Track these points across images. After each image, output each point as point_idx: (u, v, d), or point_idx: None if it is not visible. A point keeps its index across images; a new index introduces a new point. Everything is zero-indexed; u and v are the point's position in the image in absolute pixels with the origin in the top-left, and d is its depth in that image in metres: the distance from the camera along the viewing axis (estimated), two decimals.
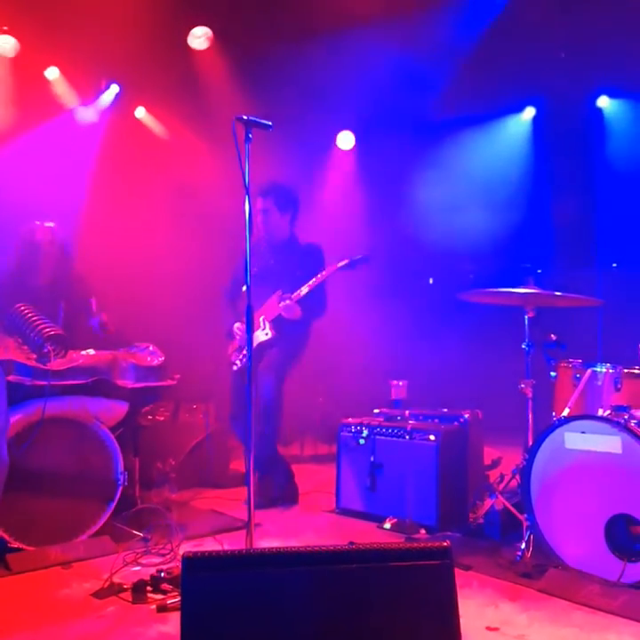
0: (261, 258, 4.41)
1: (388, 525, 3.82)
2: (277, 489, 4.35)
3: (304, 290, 4.26)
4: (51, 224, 4.13)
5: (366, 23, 5.68)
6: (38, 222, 4.10)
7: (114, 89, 6.43)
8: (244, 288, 3.92)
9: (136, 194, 6.11)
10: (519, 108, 7.10)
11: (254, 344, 3.73)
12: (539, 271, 3.55)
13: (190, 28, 6.18)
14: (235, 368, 4.44)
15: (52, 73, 6.14)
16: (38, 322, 3.53)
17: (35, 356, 3.46)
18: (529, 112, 7.10)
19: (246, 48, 6.15)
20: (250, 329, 2.86)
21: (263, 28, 5.86)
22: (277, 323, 4.36)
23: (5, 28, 5.73)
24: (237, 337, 4.45)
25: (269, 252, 4.52)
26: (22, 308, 3.62)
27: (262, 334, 4.37)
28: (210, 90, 6.38)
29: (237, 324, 4.45)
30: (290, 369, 4.45)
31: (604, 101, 6.69)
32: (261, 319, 4.39)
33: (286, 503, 4.29)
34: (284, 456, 4.52)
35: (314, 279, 4.24)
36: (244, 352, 4.29)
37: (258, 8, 5.73)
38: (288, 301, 4.28)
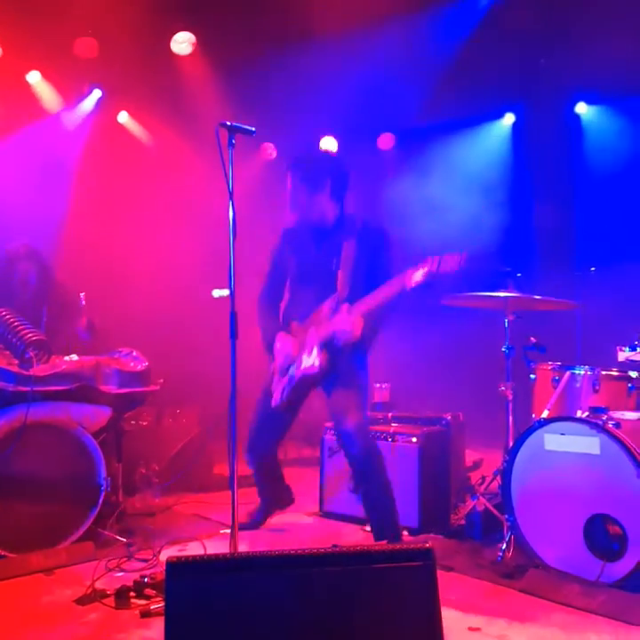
0: (301, 246, 3.49)
1: (370, 527, 3.83)
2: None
3: (369, 301, 3.17)
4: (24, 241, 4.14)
5: (348, 30, 5.72)
6: (10, 245, 4.10)
7: (96, 94, 6.41)
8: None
9: (119, 198, 6.10)
10: (499, 115, 7.18)
11: (299, 373, 3.33)
12: (518, 275, 3.58)
13: (173, 34, 6.18)
14: (274, 403, 3.42)
15: (34, 77, 6.11)
16: (20, 327, 3.52)
17: (17, 362, 3.45)
18: (508, 118, 7.19)
19: (229, 53, 6.16)
20: (234, 336, 2.81)
21: (246, 33, 5.88)
22: (332, 347, 3.27)
23: None
24: (278, 359, 3.40)
25: (310, 239, 3.50)
26: (4, 313, 3.60)
27: (308, 361, 3.29)
28: (193, 95, 6.39)
29: (280, 338, 3.40)
30: (366, 408, 3.42)
31: (582, 108, 6.80)
32: (309, 336, 3.32)
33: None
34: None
35: (386, 287, 3.13)
36: (285, 382, 3.39)
37: (241, 14, 5.74)
38: (346, 314, 3.17)
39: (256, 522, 3.87)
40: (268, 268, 3.63)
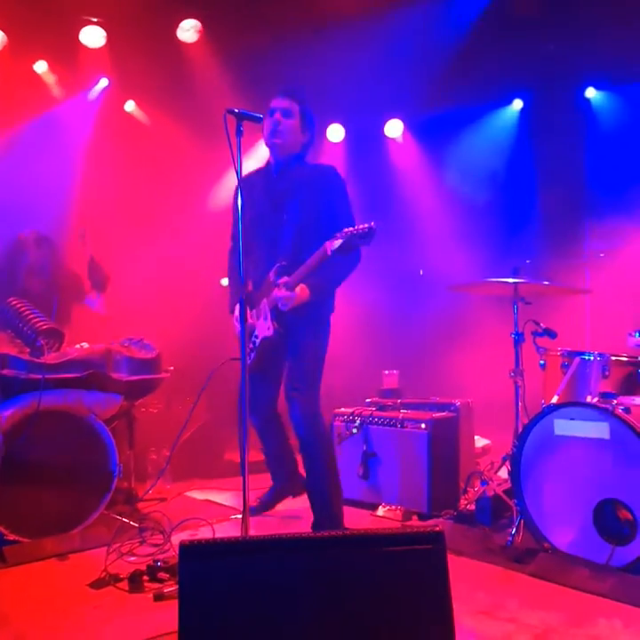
0: (252, 199, 3.33)
1: (381, 512, 3.86)
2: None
3: (302, 271, 3.15)
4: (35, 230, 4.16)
5: (356, 16, 5.68)
6: (20, 233, 4.13)
7: (103, 83, 6.40)
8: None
9: (127, 187, 6.10)
10: (507, 101, 7.13)
11: (259, 336, 3.42)
12: (527, 261, 3.58)
13: (179, 21, 6.15)
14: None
15: (41, 67, 6.11)
16: (31, 316, 3.55)
17: (28, 350, 3.47)
18: (517, 104, 7.13)
19: (236, 40, 6.13)
20: (243, 322, 2.84)
21: (252, 19, 5.85)
22: (280, 314, 3.33)
23: None
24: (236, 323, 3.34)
25: (261, 190, 3.45)
26: (15, 301, 3.63)
27: (263, 326, 3.37)
28: (200, 82, 6.36)
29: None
30: (320, 372, 3.38)
31: (591, 92, 6.74)
32: (263, 303, 3.36)
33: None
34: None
35: (312, 256, 3.09)
36: (250, 346, 3.44)
37: (247, 1, 5.72)
38: (282, 288, 3.18)
39: (265, 503, 3.88)
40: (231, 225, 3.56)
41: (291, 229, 3.33)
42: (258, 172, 3.56)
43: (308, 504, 3.47)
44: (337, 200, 3.36)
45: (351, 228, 2.97)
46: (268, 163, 3.55)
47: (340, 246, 2.97)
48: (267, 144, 3.47)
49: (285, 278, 3.21)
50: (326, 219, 3.30)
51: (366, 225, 2.92)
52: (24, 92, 5.97)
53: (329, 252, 3.02)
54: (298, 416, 3.32)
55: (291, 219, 3.33)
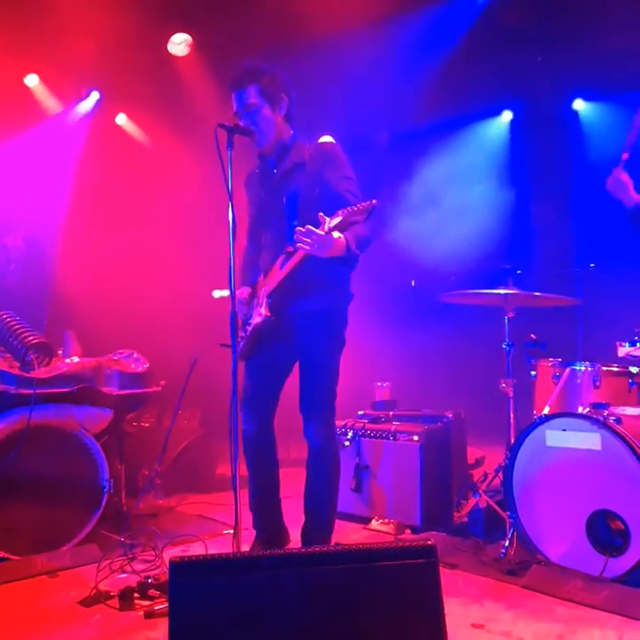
0: (254, 191, 3.25)
1: (374, 526, 3.85)
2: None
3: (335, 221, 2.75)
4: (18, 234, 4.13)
5: (344, 30, 5.72)
6: (7, 239, 4.10)
7: (94, 96, 6.42)
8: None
9: (118, 200, 6.10)
10: (496, 112, 7.19)
11: (251, 324, 3.20)
12: (518, 272, 3.59)
13: (170, 35, 6.19)
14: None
15: (32, 80, 6.12)
16: (21, 330, 3.52)
17: (17, 365, 3.45)
18: (506, 116, 7.19)
19: (226, 54, 6.16)
20: (234, 337, 2.82)
21: (242, 34, 5.88)
22: (281, 294, 3.06)
23: None
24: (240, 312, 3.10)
25: (260, 179, 3.28)
26: (4, 315, 3.61)
27: (256, 315, 3.14)
28: (191, 96, 6.39)
29: (242, 291, 3.23)
30: (338, 367, 3.19)
31: (579, 104, 6.80)
32: (262, 291, 3.16)
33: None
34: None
35: (349, 209, 2.72)
36: (242, 334, 3.20)
37: (237, 14, 5.75)
38: (319, 230, 2.73)
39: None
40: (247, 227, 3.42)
41: (292, 212, 3.10)
42: (256, 168, 3.34)
43: (299, 517, 3.42)
44: (338, 173, 3.10)
45: (350, 207, 2.73)
46: (259, 155, 3.31)
47: (337, 224, 2.73)
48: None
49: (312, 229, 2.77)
50: (330, 195, 3.05)
51: (368, 203, 2.70)
52: (15, 106, 5.98)
53: (325, 229, 2.74)
54: (313, 432, 3.17)
55: (290, 201, 3.12)
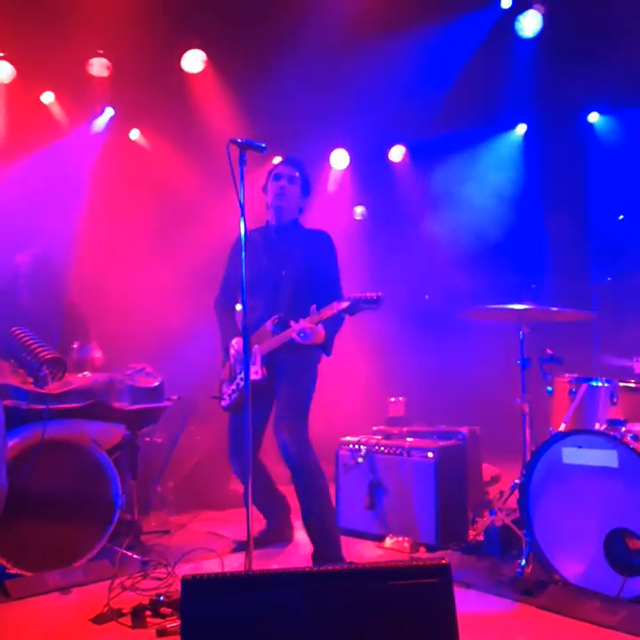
0: (253, 254, 3.57)
1: (388, 544, 3.80)
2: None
3: (326, 313, 3.28)
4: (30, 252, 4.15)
5: (360, 44, 5.74)
6: (21, 257, 4.12)
7: (109, 112, 6.48)
8: (239, 307, 3.75)
9: (131, 215, 6.14)
10: (511, 125, 7.17)
11: (242, 382, 3.54)
12: (533, 286, 3.56)
13: (184, 52, 6.24)
14: (223, 404, 3.70)
15: (48, 97, 6.20)
16: (34, 345, 3.53)
17: (31, 380, 3.46)
18: (521, 128, 7.17)
19: (240, 70, 6.21)
20: (247, 350, 2.84)
21: (256, 49, 5.93)
22: (272, 358, 3.52)
23: (1, 54, 5.79)
24: (231, 360, 3.67)
25: (262, 246, 3.70)
26: (17, 331, 3.62)
27: (252, 371, 3.43)
28: (204, 112, 6.44)
29: (235, 340, 3.64)
30: (308, 405, 3.55)
31: (594, 117, 6.78)
32: (255, 348, 3.51)
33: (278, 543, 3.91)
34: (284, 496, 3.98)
35: (327, 307, 3.26)
36: (233, 387, 3.65)
37: (250, 30, 5.79)
38: (307, 322, 3.31)
39: (257, 540, 3.57)
40: (223, 272, 3.88)
41: (289, 286, 3.57)
42: (257, 230, 3.77)
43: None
44: (329, 264, 3.64)
45: (359, 294, 3.14)
46: (267, 223, 3.78)
47: (347, 307, 3.17)
48: (271, 205, 3.71)
49: (309, 317, 3.34)
50: (320, 279, 3.58)
51: (374, 294, 3.12)
52: (32, 123, 6.05)
53: (335, 311, 3.21)
54: (286, 444, 3.41)
55: (289, 276, 3.58)
